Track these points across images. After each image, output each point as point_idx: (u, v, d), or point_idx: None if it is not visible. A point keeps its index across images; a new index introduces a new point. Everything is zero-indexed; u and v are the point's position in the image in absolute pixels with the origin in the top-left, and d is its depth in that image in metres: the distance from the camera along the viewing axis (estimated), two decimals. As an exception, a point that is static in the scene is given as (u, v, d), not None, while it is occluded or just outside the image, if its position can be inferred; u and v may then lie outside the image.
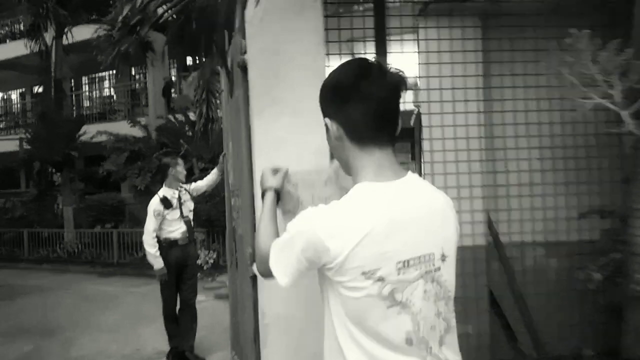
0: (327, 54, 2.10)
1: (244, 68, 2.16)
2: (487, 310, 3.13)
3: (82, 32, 11.84)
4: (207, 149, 9.82)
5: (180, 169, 4.88)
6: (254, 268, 2.17)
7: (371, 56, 1.52)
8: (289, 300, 1.97)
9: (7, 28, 16.33)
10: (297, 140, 1.95)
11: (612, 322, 2.33)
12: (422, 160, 3.02)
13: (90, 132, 12.43)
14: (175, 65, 15.96)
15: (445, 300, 1.21)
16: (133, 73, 16.66)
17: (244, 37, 2.11)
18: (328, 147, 1.56)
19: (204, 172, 8.11)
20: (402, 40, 2.69)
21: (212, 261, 9.23)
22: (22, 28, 13.54)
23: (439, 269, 1.19)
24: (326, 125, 1.25)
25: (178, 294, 4.87)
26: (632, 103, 1.76)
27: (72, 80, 16.88)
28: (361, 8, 2.73)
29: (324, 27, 2.06)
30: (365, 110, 1.18)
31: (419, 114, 3.16)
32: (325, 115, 1.26)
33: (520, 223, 2.84)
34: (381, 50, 2.23)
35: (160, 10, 2.03)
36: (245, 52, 2.11)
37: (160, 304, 4.86)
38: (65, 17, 11.61)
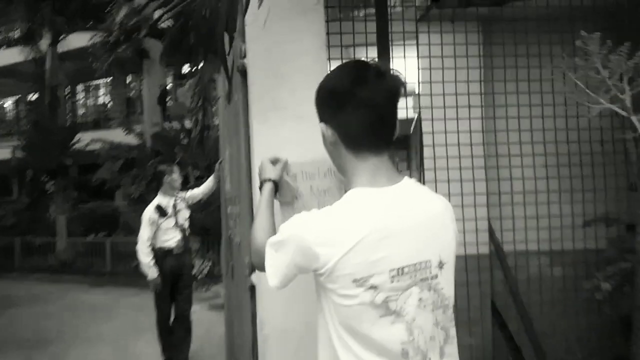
0: (329, 59, 2.05)
1: (243, 72, 2.12)
2: (490, 321, 3.08)
3: (77, 40, 11.86)
4: (202, 156, 9.77)
5: (176, 177, 4.81)
6: (253, 278, 2.12)
7: (372, 60, 1.48)
8: (288, 311, 1.91)
9: (1, 35, 16.25)
10: (298, 145, 1.90)
11: (619, 333, 2.27)
12: (422, 168, 2.97)
13: (84, 140, 12.37)
14: (172, 73, 15.94)
15: (443, 308, 1.18)
16: (128, 81, 16.62)
17: (243, 40, 2.07)
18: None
19: (199, 181, 8.05)
20: (404, 44, 2.65)
21: (206, 271, 9.12)
22: (17, 35, 13.46)
23: (435, 276, 1.16)
24: (322, 129, 1.23)
25: (172, 305, 4.78)
26: (641, 108, 1.72)
27: (67, 88, 16.82)
28: (361, 14, 2.69)
29: (325, 30, 2.01)
30: (361, 117, 1.16)
31: (419, 120, 3.12)
32: (320, 119, 1.25)
33: (523, 231, 2.79)
34: (384, 56, 2.18)
35: (158, 13, 1.97)
36: (244, 56, 2.08)
37: (154, 314, 4.77)
38: (62, 24, 11.56)
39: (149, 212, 4.63)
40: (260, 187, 1.57)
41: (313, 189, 1.69)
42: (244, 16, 1.94)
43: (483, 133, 2.88)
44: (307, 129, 1.86)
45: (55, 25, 11.59)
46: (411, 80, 2.80)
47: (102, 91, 17.83)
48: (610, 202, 2.59)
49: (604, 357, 2.56)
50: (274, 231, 1.34)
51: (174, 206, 4.76)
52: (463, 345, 1.27)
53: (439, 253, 1.18)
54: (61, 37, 12.04)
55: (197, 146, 9.48)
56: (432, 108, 2.68)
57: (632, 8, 2.05)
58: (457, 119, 2.68)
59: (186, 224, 4.84)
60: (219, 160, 4.55)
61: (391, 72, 1.23)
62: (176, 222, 4.73)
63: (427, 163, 2.86)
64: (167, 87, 14.71)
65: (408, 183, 1.21)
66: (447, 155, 2.72)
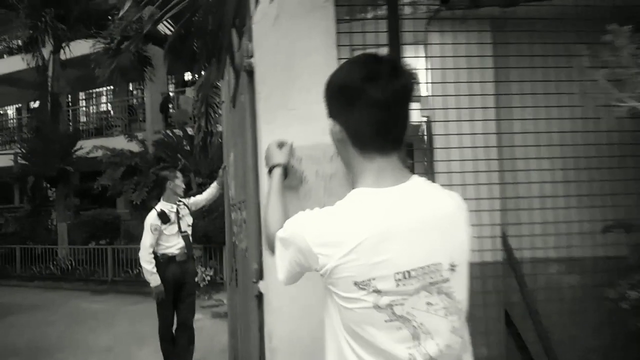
0: (339, 59, 1.98)
1: (250, 72, 2.05)
2: (503, 330, 2.98)
3: (80, 47, 11.87)
4: (205, 163, 9.72)
5: (179, 182, 4.75)
6: (260, 286, 2.04)
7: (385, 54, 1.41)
8: (297, 321, 1.84)
9: (4, 43, 16.31)
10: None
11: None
12: (432, 171, 2.89)
13: (86, 147, 12.37)
14: (174, 80, 15.96)
15: (457, 314, 1.13)
16: (130, 88, 16.67)
17: (250, 39, 2.01)
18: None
19: (201, 187, 7.99)
20: (416, 44, 2.58)
21: (209, 278, 9.04)
22: (19, 43, 13.49)
23: (447, 280, 1.10)
24: (329, 125, 1.20)
25: (175, 313, 4.70)
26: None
27: (69, 96, 16.87)
28: (369, 16, 2.62)
29: (335, 29, 1.94)
30: (370, 116, 1.12)
31: (429, 123, 3.04)
32: (328, 114, 1.21)
33: (538, 238, 2.69)
34: (395, 55, 2.11)
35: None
36: (251, 55, 2.01)
37: (156, 323, 4.69)
38: (64, 31, 11.57)
39: (152, 218, 4.56)
40: (269, 173, 1.57)
41: (319, 173, 1.66)
42: (250, 14, 1.88)
43: (494, 136, 2.79)
44: (318, 129, 1.81)
45: (57, 33, 11.59)
46: (421, 81, 2.72)
47: (104, 99, 17.86)
48: (630, 207, 2.49)
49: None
50: (285, 216, 1.35)
51: (177, 213, 4.69)
52: (475, 356, 1.20)
53: (450, 255, 1.12)
54: (63, 44, 12.05)
55: (200, 153, 9.43)
56: (444, 109, 2.60)
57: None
58: (471, 120, 2.60)
59: (189, 231, 4.77)
60: (223, 166, 4.48)
61: (405, 67, 1.16)
62: (179, 229, 4.66)
63: (439, 166, 2.77)
64: (170, 95, 14.73)
65: (416, 182, 1.16)
66: (459, 158, 2.63)
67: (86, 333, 6.80)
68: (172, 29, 8.03)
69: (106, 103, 17.56)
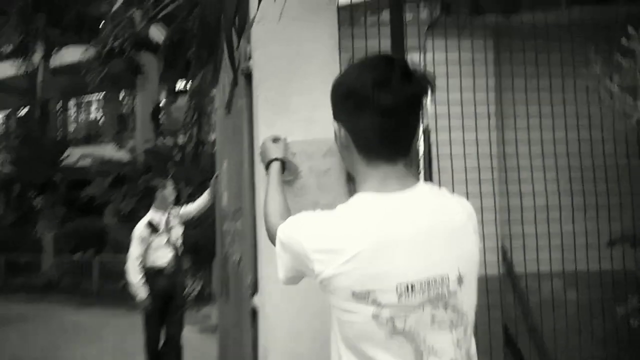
0: (340, 63, 1.90)
1: (247, 75, 1.98)
2: (502, 347, 2.89)
3: (70, 54, 11.77)
4: (196, 172, 9.61)
5: (169, 192, 4.64)
6: (255, 300, 1.94)
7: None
8: (293, 335, 1.76)
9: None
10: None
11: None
12: (430, 181, 2.82)
13: (75, 155, 12.22)
14: (165, 88, 15.88)
15: (463, 327, 1.06)
16: (121, 96, 16.56)
17: (248, 41, 1.94)
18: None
19: (192, 197, 7.87)
20: (417, 50, 2.52)
21: (197, 291, 8.86)
22: (9, 49, 13.33)
23: (454, 292, 1.04)
24: (334, 127, 1.15)
25: (162, 328, 4.56)
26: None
27: (59, 103, 16.70)
28: (371, 21, 2.56)
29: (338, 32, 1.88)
30: (378, 124, 1.06)
31: (427, 131, 2.98)
32: (334, 117, 1.16)
33: (537, 251, 2.62)
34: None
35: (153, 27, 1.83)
36: (250, 58, 1.94)
37: (143, 338, 4.54)
38: (55, 37, 11.47)
39: (140, 228, 4.44)
40: (266, 168, 1.56)
41: (312, 169, 1.66)
42: (248, 14, 1.80)
43: (494, 145, 2.73)
44: (319, 134, 1.74)
45: (49, 39, 11.49)
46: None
47: (94, 107, 17.71)
48: (633, 220, 2.43)
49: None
50: (286, 207, 1.38)
51: (167, 223, 4.57)
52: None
53: (458, 266, 1.05)
54: (54, 50, 11.94)
55: (192, 162, 9.33)
56: (437, 117, 2.53)
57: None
58: (463, 128, 2.53)
59: (179, 242, 4.64)
60: (215, 175, 4.38)
61: (419, 71, 1.08)
62: (168, 240, 4.54)
63: (436, 176, 2.70)
64: (161, 103, 14.63)
65: (422, 188, 1.10)
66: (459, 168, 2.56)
67: (71, 348, 6.61)
68: (164, 35, 7.98)
69: (96, 110, 17.41)
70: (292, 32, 1.81)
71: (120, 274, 9.71)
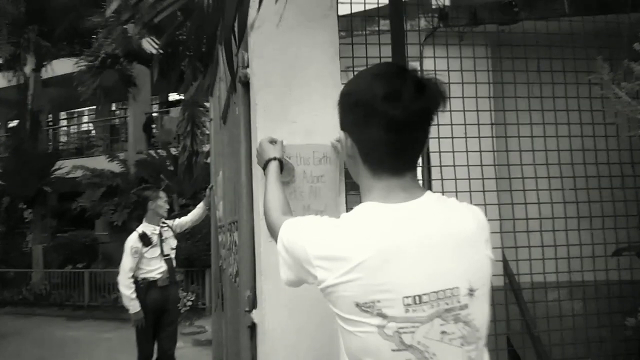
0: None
1: (245, 83, 1.93)
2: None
3: (62, 66, 11.70)
4: (189, 184, 9.54)
5: (162, 203, 4.55)
6: (253, 315, 1.87)
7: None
8: (294, 353, 1.68)
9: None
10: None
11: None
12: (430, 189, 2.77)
13: (66, 167, 12.13)
14: (158, 100, 15.84)
15: (475, 343, 1.02)
16: (113, 108, 16.50)
17: (246, 49, 1.89)
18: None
19: (185, 209, 7.79)
20: (416, 58, 2.49)
21: (190, 303, 8.75)
22: (0, 61, 13.23)
23: (465, 306, 1.00)
24: (341, 136, 1.14)
25: (155, 342, 4.46)
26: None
27: (50, 115, 16.59)
28: (371, 29, 2.54)
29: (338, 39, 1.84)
30: (386, 137, 1.03)
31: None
32: (341, 126, 1.14)
33: (547, 261, 2.57)
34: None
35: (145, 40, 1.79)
36: (247, 66, 1.89)
37: (135, 352, 4.43)
38: (47, 49, 11.40)
39: (132, 240, 4.35)
40: (264, 168, 1.56)
41: (306, 174, 1.66)
42: (245, 20, 1.76)
43: (497, 154, 2.69)
44: (319, 143, 1.69)
45: (41, 50, 11.41)
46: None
47: (85, 119, 17.62)
48: (635, 229, 2.39)
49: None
50: (287, 205, 1.39)
51: (160, 235, 4.47)
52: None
53: (468, 278, 1.01)
54: (45, 62, 11.87)
55: (184, 173, 9.24)
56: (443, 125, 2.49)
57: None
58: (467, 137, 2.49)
59: (172, 254, 4.56)
60: (210, 186, 4.32)
61: (433, 83, 1.04)
62: (161, 252, 4.44)
63: (435, 185, 2.65)
64: (153, 115, 14.57)
65: (430, 198, 1.07)
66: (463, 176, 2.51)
67: (60, 362, 6.48)
68: (157, 47, 7.95)
69: (88, 123, 17.32)
70: (291, 39, 1.78)
71: (111, 286, 9.66)
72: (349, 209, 1.26)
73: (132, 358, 4.48)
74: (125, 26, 8.38)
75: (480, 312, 1.03)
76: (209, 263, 5.88)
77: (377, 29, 2.42)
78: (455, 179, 2.44)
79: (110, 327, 8.29)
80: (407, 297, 0.96)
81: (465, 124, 2.43)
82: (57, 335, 8.25)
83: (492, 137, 2.60)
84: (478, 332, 1.02)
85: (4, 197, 12.43)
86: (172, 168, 10.57)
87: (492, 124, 2.60)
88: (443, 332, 0.98)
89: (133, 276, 4.30)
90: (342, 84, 1.85)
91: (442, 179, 2.44)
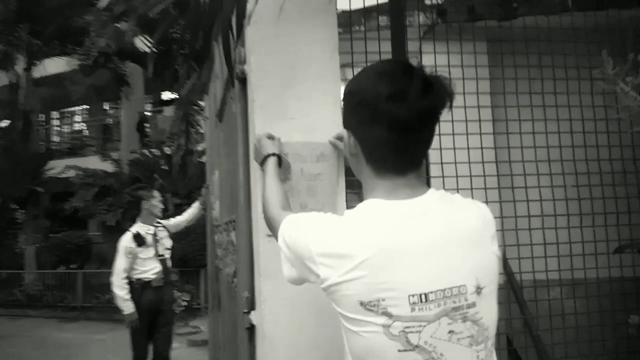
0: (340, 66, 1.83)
1: (242, 79, 1.89)
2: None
3: (54, 65, 11.60)
4: (183, 183, 9.48)
5: (156, 202, 4.51)
6: (252, 316, 1.83)
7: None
8: (294, 353, 1.64)
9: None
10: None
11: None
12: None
13: (58, 167, 12.03)
14: (151, 99, 15.75)
15: (484, 342, 1.01)
16: (106, 107, 16.40)
17: (243, 45, 1.85)
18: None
19: (179, 208, 7.74)
20: (416, 53, 2.46)
21: (185, 304, 8.71)
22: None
23: (473, 304, 0.98)
24: (344, 135, 1.12)
25: (150, 344, 4.41)
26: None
27: (43, 115, 16.46)
28: (370, 25, 2.51)
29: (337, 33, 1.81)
30: (391, 137, 1.02)
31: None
32: (344, 124, 1.12)
33: (545, 259, 2.55)
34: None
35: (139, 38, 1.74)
36: (244, 62, 1.85)
37: (130, 354, 4.39)
38: (39, 48, 11.29)
39: (126, 241, 4.31)
40: (262, 164, 1.54)
41: (304, 172, 1.64)
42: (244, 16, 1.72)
43: (498, 150, 2.67)
44: (318, 140, 1.66)
45: (32, 49, 11.29)
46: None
47: (78, 118, 17.51)
48: (637, 226, 2.38)
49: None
50: (287, 200, 1.37)
51: (154, 235, 4.42)
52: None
53: (475, 276, 1.00)
54: (37, 61, 11.76)
55: (179, 172, 9.19)
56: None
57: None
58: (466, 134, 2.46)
59: (167, 255, 4.51)
60: (206, 185, 4.27)
61: (440, 82, 1.01)
62: (156, 252, 4.39)
63: (434, 183, 2.62)
64: (146, 114, 14.49)
65: (434, 194, 1.06)
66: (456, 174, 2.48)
67: (53, 365, 6.42)
68: (150, 45, 7.89)
69: (80, 122, 17.21)
70: (289, 34, 1.74)
71: (105, 287, 9.59)
72: (348, 207, 1.23)
73: (127, 359, 4.43)
74: (118, 24, 8.31)
75: (488, 311, 1.01)
76: (203, 263, 5.84)
77: (376, 24, 2.39)
78: (457, 177, 2.40)
79: (104, 329, 8.24)
80: (412, 295, 0.95)
81: (466, 120, 2.40)
82: (50, 337, 8.20)
83: (493, 133, 2.57)
84: (487, 331, 1.00)
85: (-5, 197, 12.35)
86: (166, 167, 10.52)
87: (492, 120, 2.57)
88: (451, 332, 0.96)
89: (127, 277, 4.25)
90: (341, 80, 1.83)
91: (442, 177, 2.40)
